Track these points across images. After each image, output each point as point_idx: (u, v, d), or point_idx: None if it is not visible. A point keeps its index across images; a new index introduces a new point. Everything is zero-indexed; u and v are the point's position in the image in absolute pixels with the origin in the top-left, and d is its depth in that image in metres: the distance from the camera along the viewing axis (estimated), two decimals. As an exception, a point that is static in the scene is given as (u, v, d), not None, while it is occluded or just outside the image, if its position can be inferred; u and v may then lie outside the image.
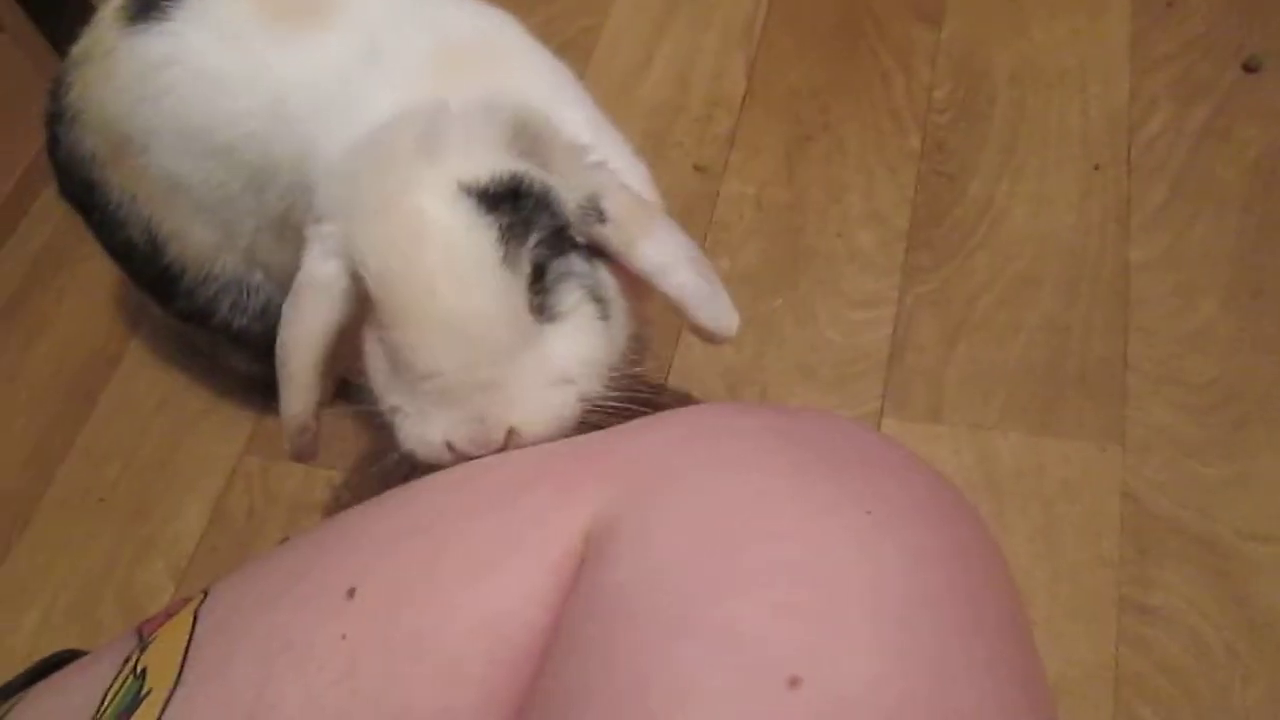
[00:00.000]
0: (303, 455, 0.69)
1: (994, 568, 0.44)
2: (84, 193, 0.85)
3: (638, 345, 0.69)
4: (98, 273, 1.13)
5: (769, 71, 1.15)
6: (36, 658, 0.65)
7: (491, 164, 0.59)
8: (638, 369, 0.66)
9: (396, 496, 0.54)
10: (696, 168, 1.08)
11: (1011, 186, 1.01)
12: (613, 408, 0.62)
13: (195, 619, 0.52)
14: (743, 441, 0.48)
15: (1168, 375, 0.88)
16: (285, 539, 0.91)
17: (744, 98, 1.13)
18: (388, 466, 0.61)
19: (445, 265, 0.56)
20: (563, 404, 0.59)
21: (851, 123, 1.09)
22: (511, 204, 0.58)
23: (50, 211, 1.21)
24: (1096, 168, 1.01)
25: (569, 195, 0.62)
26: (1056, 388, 0.88)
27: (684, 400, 0.93)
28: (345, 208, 0.61)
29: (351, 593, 0.48)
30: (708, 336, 0.67)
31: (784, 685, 0.36)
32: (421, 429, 0.59)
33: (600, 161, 0.65)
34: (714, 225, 1.03)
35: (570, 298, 0.60)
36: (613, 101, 0.92)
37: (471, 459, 0.57)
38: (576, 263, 0.62)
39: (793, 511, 0.43)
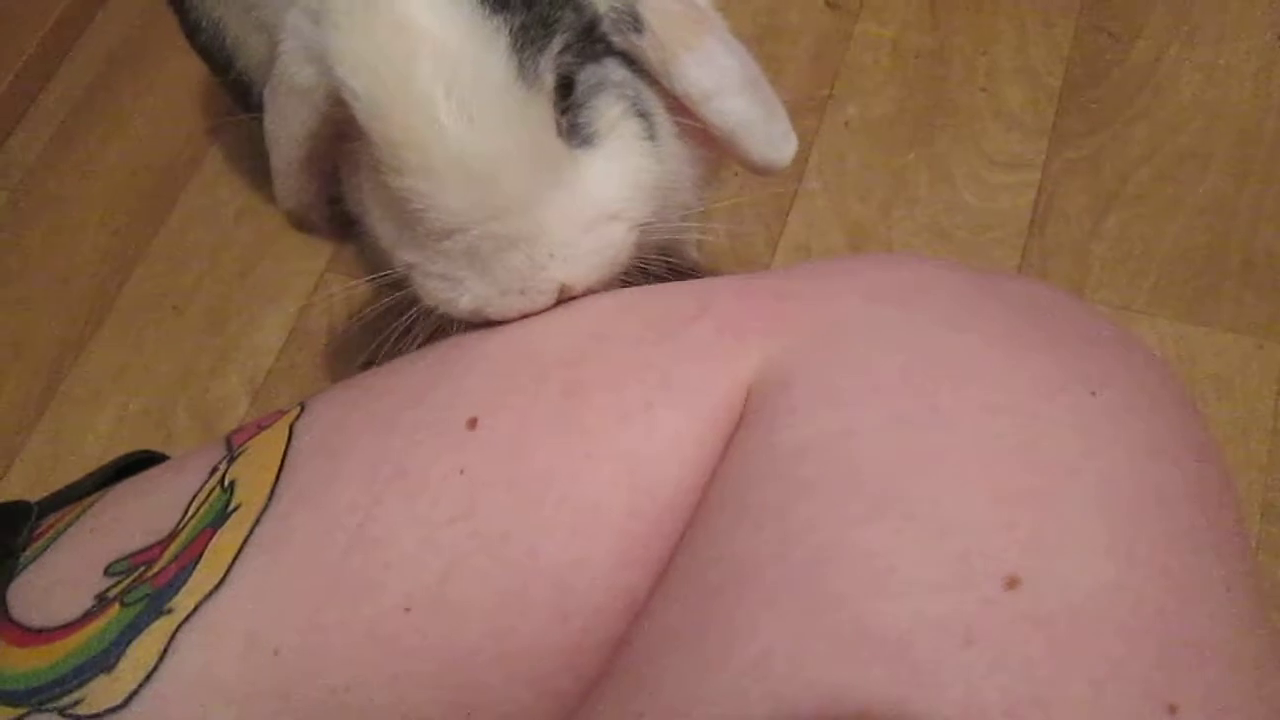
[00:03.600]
0: (305, 230, 0.62)
1: (1223, 468, 0.38)
2: None
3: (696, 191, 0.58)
4: (180, 71, 1.07)
5: (916, -97, 1.04)
6: (109, 459, 0.62)
7: None
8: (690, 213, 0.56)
9: (530, 322, 0.48)
10: (829, 4, 0.98)
11: (1182, 52, 0.91)
12: (663, 260, 0.52)
13: (291, 434, 0.47)
14: (944, 296, 0.41)
15: (1343, 271, 0.79)
16: (369, 361, 0.86)
17: (887, -70, 1.03)
18: (405, 326, 0.51)
19: (447, 88, 0.43)
20: (613, 244, 0.48)
21: (1007, -34, 0.98)
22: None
23: (132, 2, 1.14)
24: (1281, 37, 0.90)
25: None
26: (1215, 275, 0.80)
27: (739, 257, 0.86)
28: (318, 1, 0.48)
29: (473, 423, 0.42)
30: (758, 169, 0.55)
31: (1000, 584, 0.31)
32: (448, 293, 0.48)
33: None
34: (845, 68, 0.94)
35: (609, 113, 0.49)
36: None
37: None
38: (614, 70, 0.50)
39: (1010, 383, 0.36)
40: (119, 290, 0.97)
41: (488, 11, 0.44)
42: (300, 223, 0.61)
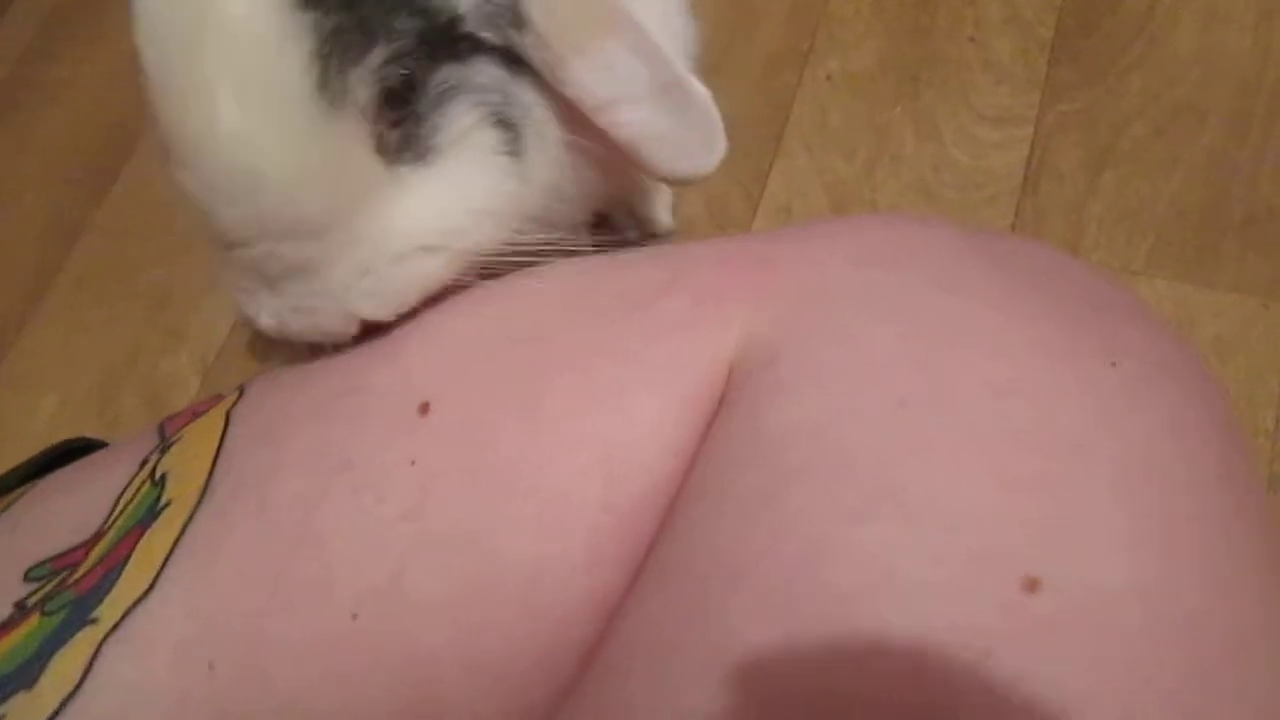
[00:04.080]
0: None
1: (1243, 444, 0.35)
2: None
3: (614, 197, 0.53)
4: (126, 29, 1.01)
5: None
6: (51, 444, 0.57)
7: None
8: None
9: (488, 293, 0.43)
10: (808, -48, 0.94)
11: (1177, -2, 0.87)
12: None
13: (228, 421, 0.43)
14: (939, 258, 0.37)
15: (1348, 227, 0.76)
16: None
17: (867, -125, 0.98)
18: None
19: (234, 86, 0.37)
20: (425, 277, 0.42)
21: (993, -89, 0.93)
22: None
23: (68, -41, 1.08)
24: (1281, -18, 0.86)
25: None
26: (1216, 233, 0.77)
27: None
28: None
29: (425, 408, 0.38)
30: (667, 181, 0.50)
31: (1017, 586, 0.27)
32: (246, 306, 0.43)
33: None
34: (825, 19, 0.90)
35: (458, 124, 0.42)
36: None
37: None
38: (481, 71, 0.43)
39: (1017, 356, 0.32)
40: (60, 265, 0.91)
41: (298, 5, 0.37)
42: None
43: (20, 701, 0.38)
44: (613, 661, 0.33)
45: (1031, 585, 0.27)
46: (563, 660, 0.35)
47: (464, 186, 0.42)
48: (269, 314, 0.42)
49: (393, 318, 0.43)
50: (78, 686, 0.37)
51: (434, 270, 0.42)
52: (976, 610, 0.27)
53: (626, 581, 0.35)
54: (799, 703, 0.28)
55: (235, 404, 0.43)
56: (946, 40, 0.87)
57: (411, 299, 0.42)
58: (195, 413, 0.45)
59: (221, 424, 0.42)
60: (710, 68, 0.87)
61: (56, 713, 0.37)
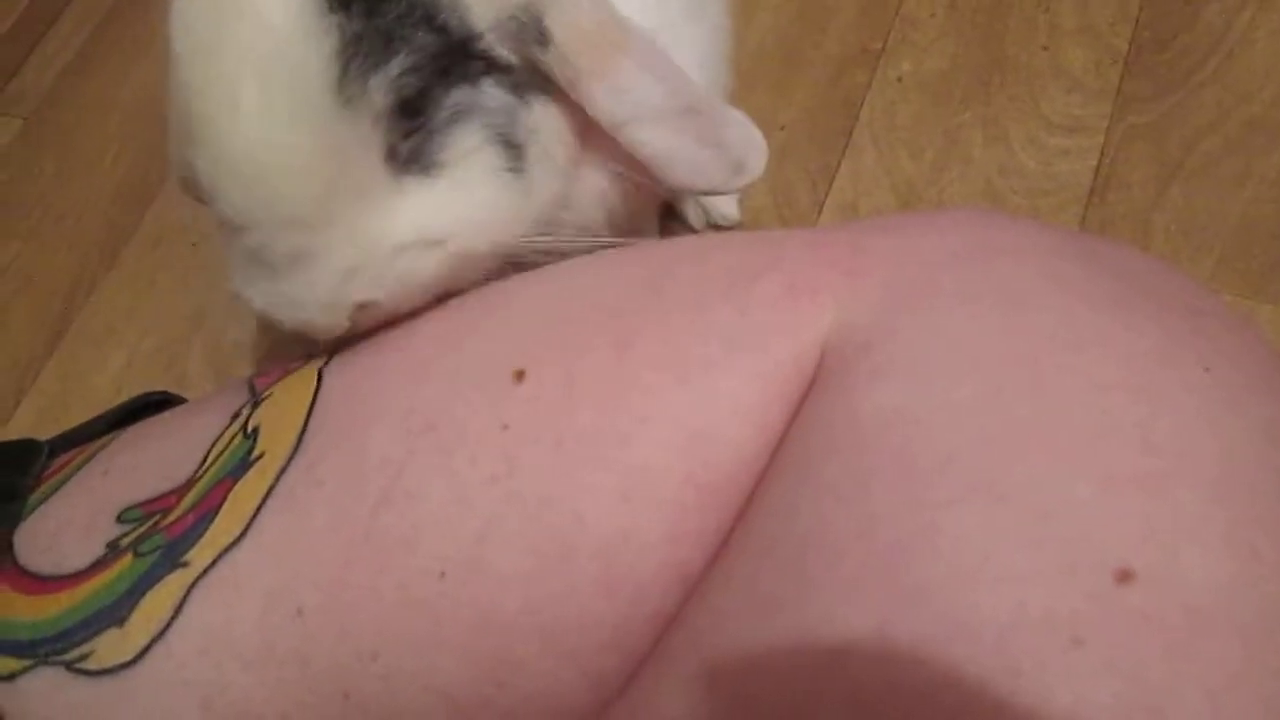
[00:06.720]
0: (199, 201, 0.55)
1: None
2: None
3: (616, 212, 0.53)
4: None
5: None
6: (120, 400, 0.59)
7: None
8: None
9: (582, 267, 0.44)
10: (884, -48, 0.94)
11: (1256, 15, 0.86)
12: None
13: (320, 379, 0.44)
14: (1038, 258, 0.37)
15: None
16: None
17: (946, -122, 0.98)
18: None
19: (256, 75, 0.39)
20: (426, 269, 0.44)
21: (1073, -81, 0.93)
22: (369, 6, 0.40)
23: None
24: (1363, 3, 0.85)
25: (485, 4, 0.45)
26: (1284, 252, 0.76)
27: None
28: None
29: (520, 375, 0.39)
30: (691, 194, 0.50)
31: (1110, 578, 0.28)
32: (243, 286, 0.45)
33: None
34: (899, 21, 0.90)
35: (464, 142, 0.44)
36: None
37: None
38: (489, 94, 0.45)
39: (1117, 356, 0.33)
40: (136, 226, 0.93)
41: (325, 8, 0.39)
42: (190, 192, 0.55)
43: (111, 637, 0.39)
44: (694, 636, 0.34)
45: (1124, 576, 0.28)
46: (639, 631, 0.36)
47: (463, 195, 0.44)
48: (263, 298, 0.44)
49: (398, 306, 0.44)
50: (167, 626, 0.39)
51: (430, 264, 0.44)
52: (1067, 597, 0.27)
53: (707, 556, 0.36)
54: (886, 686, 0.28)
55: (328, 362, 0.45)
56: (1019, 47, 0.87)
57: (415, 288, 0.44)
58: (287, 370, 0.46)
59: (314, 381, 0.44)
60: (781, 64, 0.88)
61: (145, 650, 0.39)
